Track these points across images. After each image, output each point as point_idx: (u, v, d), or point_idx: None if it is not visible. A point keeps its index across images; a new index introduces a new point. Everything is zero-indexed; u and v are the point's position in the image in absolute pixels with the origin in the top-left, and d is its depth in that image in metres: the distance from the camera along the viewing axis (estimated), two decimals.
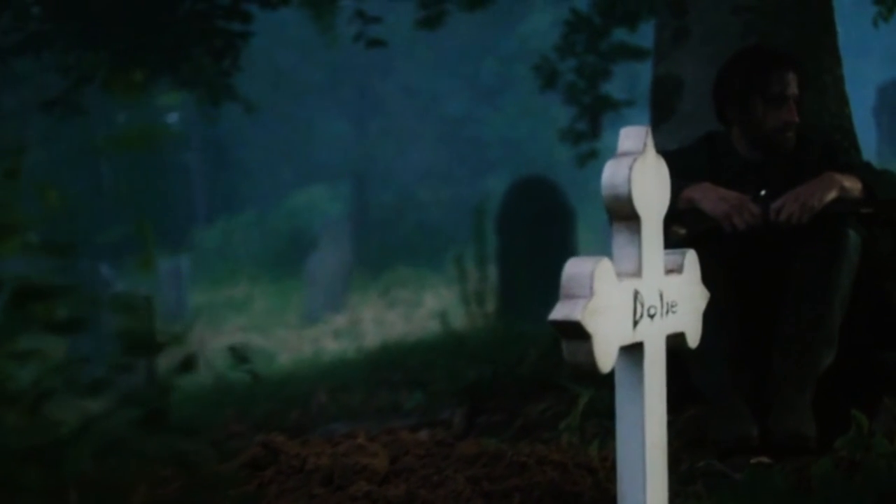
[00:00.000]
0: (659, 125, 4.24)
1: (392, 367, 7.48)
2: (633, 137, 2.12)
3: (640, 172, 2.08)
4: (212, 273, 20.83)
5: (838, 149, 3.69)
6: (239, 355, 4.36)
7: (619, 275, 2.05)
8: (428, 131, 23.11)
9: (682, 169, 3.54)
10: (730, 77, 3.55)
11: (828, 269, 3.28)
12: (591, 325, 1.92)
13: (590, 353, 1.93)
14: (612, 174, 2.07)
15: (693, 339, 2.31)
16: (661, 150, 4.00)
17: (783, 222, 3.29)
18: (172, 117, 24.16)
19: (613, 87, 9.24)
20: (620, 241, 2.11)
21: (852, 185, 3.36)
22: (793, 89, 3.47)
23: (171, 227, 22.76)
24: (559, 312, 1.92)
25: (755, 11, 4.06)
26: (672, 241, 3.25)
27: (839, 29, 4.19)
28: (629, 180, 2.06)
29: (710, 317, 3.18)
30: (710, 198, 3.34)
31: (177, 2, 6.51)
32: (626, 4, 8.25)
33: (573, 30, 8.52)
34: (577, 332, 1.92)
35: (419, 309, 14.40)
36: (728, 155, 3.58)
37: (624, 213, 2.08)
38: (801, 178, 3.38)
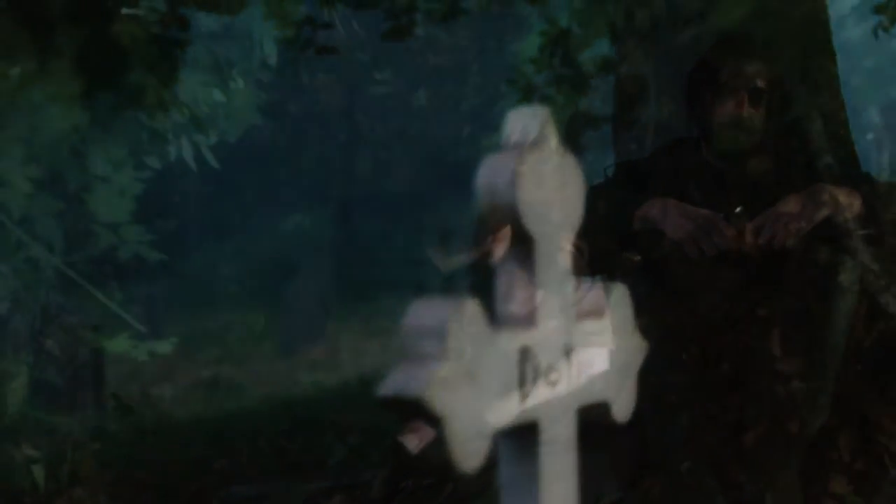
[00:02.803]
0: (622, 132, 3.65)
1: (348, 408, 6.86)
2: (524, 123, 1.46)
3: (533, 172, 1.42)
4: (194, 301, 20.38)
5: (831, 157, 3.06)
6: (122, 405, 3.69)
7: (500, 322, 1.39)
8: (415, 154, 22.58)
9: (642, 182, 2.96)
10: (694, 67, 2.97)
11: (819, 306, 2.63)
12: (441, 403, 1.25)
13: (441, 445, 1.27)
14: (490, 175, 1.41)
15: (622, 410, 1.64)
16: (623, 161, 3.43)
17: (763, 246, 2.66)
18: None
19: (596, 103, 8.70)
20: (504, 273, 1.45)
21: (849, 200, 2.74)
22: (751, 82, 2.86)
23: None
24: (392, 384, 1.25)
25: None
26: (624, 270, 2.65)
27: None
28: (514, 184, 1.39)
29: (670, 364, 2.57)
30: (671, 216, 2.72)
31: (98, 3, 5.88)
32: (607, 14, 7.69)
33: (550, 41, 8.01)
34: (419, 414, 1.25)
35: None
36: (697, 164, 2.97)
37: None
38: (785, 191, 2.75)
